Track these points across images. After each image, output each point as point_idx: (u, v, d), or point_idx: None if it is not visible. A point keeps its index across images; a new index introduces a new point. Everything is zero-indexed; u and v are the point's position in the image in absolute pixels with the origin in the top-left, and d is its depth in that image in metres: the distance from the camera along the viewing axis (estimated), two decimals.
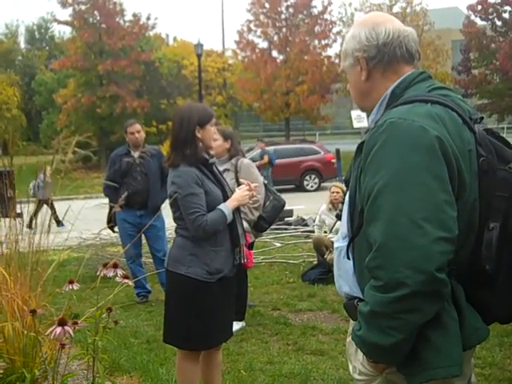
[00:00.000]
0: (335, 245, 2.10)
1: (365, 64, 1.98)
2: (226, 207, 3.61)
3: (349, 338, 2.10)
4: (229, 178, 5.27)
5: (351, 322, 2.11)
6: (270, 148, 22.94)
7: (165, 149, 20.45)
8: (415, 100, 1.83)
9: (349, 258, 1.97)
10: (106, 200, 6.65)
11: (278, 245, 9.72)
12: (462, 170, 1.75)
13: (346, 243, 1.98)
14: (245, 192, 3.78)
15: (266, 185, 5.82)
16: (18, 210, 4.50)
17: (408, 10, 31.46)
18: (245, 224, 5.22)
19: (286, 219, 11.69)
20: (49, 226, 4.20)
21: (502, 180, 1.78)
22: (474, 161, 1.79)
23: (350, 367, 2.12)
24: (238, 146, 5.67)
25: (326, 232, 8.10)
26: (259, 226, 5.66)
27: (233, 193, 3.78)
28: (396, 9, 31.53)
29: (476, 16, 30.85)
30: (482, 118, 1.89)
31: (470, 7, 30.73)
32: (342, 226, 2.05)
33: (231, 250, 3.66)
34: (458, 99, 1.91)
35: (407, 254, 1.64)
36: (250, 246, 5.56)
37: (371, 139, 1.80)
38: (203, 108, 3.80)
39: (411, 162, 1.69)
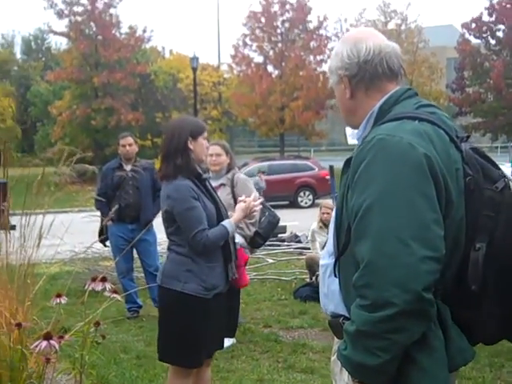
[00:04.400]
0: (321, 262, 2.08)
1: (347, 82, 1.96)
2: (230, 223, 3.62)
3: (333, 357, 2.08)
4: (225, 192, 5.28)
5: (336, 340, 2.09)
6: (264, 163, 22.95)
7: (159, 162, 20.41)
8: (403, 117, 1.82)
9: (335, 276, 1.95)
10: (97, 213, 6.62)
11: (271, 261, 9.68)
12: (450, 187, 1.73)
13: (332, 261, 1.96)
14: (255, 203, 3.80)
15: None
16: (12, 222, 4.48)
17: (403, 27, 31.75)
18: (241, 240, 5.23)
19: (280, 235, 11.65)
20: (39, 238, 4.19)
21: (488, 199, 1.77)
22: (461, 179, 1.78)
23: None
24: (234, 160, 5.69)
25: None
26: (255, 242, 5.65)
27: (226, 209, 3.78)
28: (391, 26, 31.82)
29: (470, 34, 31.13)
30: (468, 137, 1.88)
31: (465, 25, 31.02)
32: (328, 243, 2.03)
33: (224, 266, 3.65)
34: (444, 117, 1.90)
35: (394, 272, 1.62)
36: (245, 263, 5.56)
37: (359, 155, 1.78)
38: (195, 120, 3.86)
39: (399, 180, 1.68)
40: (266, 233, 5.71)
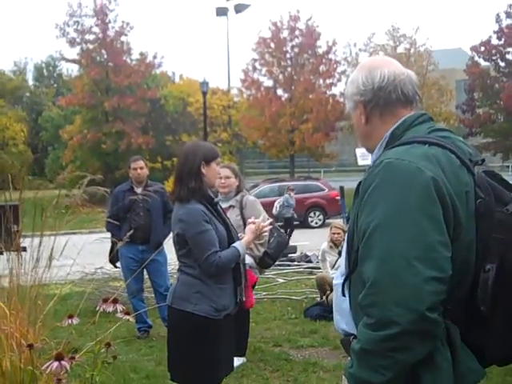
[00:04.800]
0: (334, 281, 2.11)
1: (362, 108, 2.01)
2: (241, 245, 3.65)
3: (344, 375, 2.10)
4: (234, 214, 5.31)
5: (349, 358, 2.11)
6: (275, 185, 23.03)
7: (169, 185, 20.55)
8: (413, 141, 1.85)
9: (344, 295, 1.98)
10: (108, 234, 6.66)
11: (281, 281, 9.67)
12: (458, 210, 1.75)
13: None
14: (264, 224, 3.83)
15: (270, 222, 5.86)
16: (23, 244, 4.52)
17: (412, 51, 31.80)
18: (250, 260, 5.26)
19: (290, 255, 11.66)
20: (50, 259, 4.22)
21: (498, 222, 1.77)
22: (472, 202, 1.79)
23: None
24: (244, 182, 5.75)
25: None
26: (264, 262, 5.67)
27: (237, 232, 3.82)
28: (400, 49, 31.91)
29: (479, 57, 31.23)
30: (483, 160, 1.89)
31: (474, 48, 31.14)
32: (341, 263, 2.07)
33: (234, 289, 3.68)
34: (458, 141, 1.92)
35: (399, 292, 1.65)
36: (254, 284, 5.57)
37: (368, 179, 1.82)
38: (210, 146, 3.89)
39: (406, 203, 1.71)
40: (275, 253, 5.73)
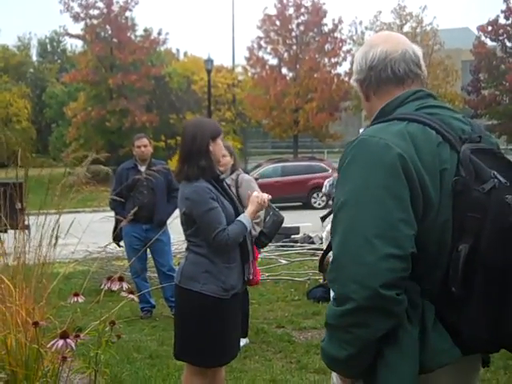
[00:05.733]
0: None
1: (359, 86, 2.05)
2: (245, 217, 3.65)
3: None
4: None
5: None
6: (278, 165, 23.00)
7: (172, 164, 20.54)
8: (394, 118, 1.86)
9: None
10: (112, 213, 6.67)
11: (284, 262, 9.68)
12: (428, 188, 1.74)
13: None
14: (264, 195, 3.82)
15: None
16: (27, 222, 4.52)
17: (418, 30, 31.50)
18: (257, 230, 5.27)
19: (293, 236, 11.66)
20: (56, 238, 4.22)
21: (474, 200, 1.74)
22: (449, 180, 1.77)
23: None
24: (238, 161, 5.73)
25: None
26: (260, 242, 5.66)
27: (243, 207, 3.80)
28: (406, 28, 31.61)
29: (486, 37, 30.93)
30: (479, 137, 1.85)
31: (481, 28, 30.83)
32: None
33: (241, 266, 3.68)
34: (450, 118, 1.90)
35: (355, 269, 1.68)
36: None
37: (343, 155, 1.86)
38: (213, 122, 3.92)
39: (371, 180, 1.73)
40: (270, 232, 5.72)
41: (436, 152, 1.78)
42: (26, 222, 4.50)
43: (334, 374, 2.06)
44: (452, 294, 1.74)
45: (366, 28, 32.47)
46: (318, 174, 22.59)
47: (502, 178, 1.74)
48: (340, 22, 31.87)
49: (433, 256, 1.76)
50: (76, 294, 3.63)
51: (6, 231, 4.54)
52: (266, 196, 3.90)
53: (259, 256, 5.70)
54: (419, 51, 2.03)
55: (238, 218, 3.62)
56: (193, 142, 3.62)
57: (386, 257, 1.65)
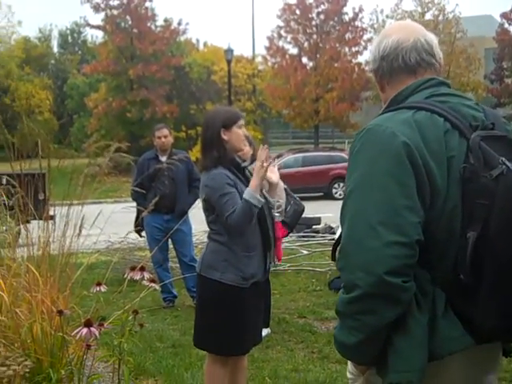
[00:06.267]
0: None
1: (374, 76, 2.07)
2: (248, 192, 3.48)
3: None
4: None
5: None
6: (299, 155, 22.94)
7: (194, 154, 20.59)
8: (402, 107, 1.86)
9: None
10: (133, 203, 6.70)
11: (305, 252, 9.69)
12: (435, 176, 1.74)
13: None
14: (258, 163, 3.61)
15: (286, 189, 5.82)
16: (51, 213, 4.56)
17: (440, 18, 31.18)
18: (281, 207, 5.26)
19: (314, 227, 11.64)
20: (80, 229, 4.25)
21: (482, 187, 1.73)
22: (456, 167, 1.76)
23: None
24: (257, 151, 5.70)
25: None
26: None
27: (266, 197, 3.73)
28: (428, 16, 31.32)
29: (510, 24, 30.56)
30: (492, 124, 1.84)
31: (504, 15, 30.50)
32: None
33: (263, 255, 3.65)
34: (461, 105, 1.88)
35: (361, 256, 1.69)
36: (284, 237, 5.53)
37: (352, 144, 1.87)
38: (228, 110, 3.83)
39: (376, 168, 1.74)
40: (292, 222, 5.73)
41: (443, 139, 1.78)
42: (51, 213, 4.55)
43: (349, 362, 2.07)
44: (461, 282, 1.74)
45: (387, 16, 32.19)
46: (338, 165, 22.45)
47: (510, 165, 1.72)
48: (361, 10, 31.68)
49: (442, 244, 1.76)
50: (99, 284, 3.66)
51: (28, 222, 4.59)
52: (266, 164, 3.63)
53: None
54: (434, 40, 2.01)
55: (243, 196, 3.48)
56: (206, 133, 3.64)
57: (390, 244, 1.66)
